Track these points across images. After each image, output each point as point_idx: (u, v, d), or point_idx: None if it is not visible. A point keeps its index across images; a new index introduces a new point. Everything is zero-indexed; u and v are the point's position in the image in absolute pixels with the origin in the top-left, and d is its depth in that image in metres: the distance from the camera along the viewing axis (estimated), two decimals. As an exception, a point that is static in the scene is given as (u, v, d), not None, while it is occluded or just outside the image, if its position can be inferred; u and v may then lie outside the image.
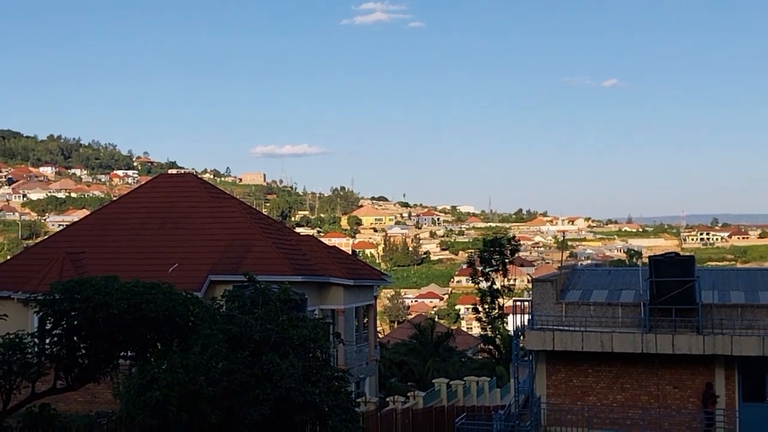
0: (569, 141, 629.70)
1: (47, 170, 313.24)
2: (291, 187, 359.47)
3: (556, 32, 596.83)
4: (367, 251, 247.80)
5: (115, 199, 72.54)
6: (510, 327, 48.71)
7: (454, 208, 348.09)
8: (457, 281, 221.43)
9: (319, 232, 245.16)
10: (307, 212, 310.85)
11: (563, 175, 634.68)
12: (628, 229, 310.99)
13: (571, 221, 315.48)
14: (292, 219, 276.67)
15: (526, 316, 28.82)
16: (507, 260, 71.76)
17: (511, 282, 73.31)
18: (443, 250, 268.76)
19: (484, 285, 71.56)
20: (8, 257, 79.83)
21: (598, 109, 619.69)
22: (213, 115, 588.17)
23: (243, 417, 16.79)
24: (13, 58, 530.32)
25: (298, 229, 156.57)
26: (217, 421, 15.58)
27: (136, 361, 15.95)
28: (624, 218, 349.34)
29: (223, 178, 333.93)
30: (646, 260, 34.94)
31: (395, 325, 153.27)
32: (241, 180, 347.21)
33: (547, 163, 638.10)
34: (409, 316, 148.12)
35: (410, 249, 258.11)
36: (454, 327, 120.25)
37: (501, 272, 71.41)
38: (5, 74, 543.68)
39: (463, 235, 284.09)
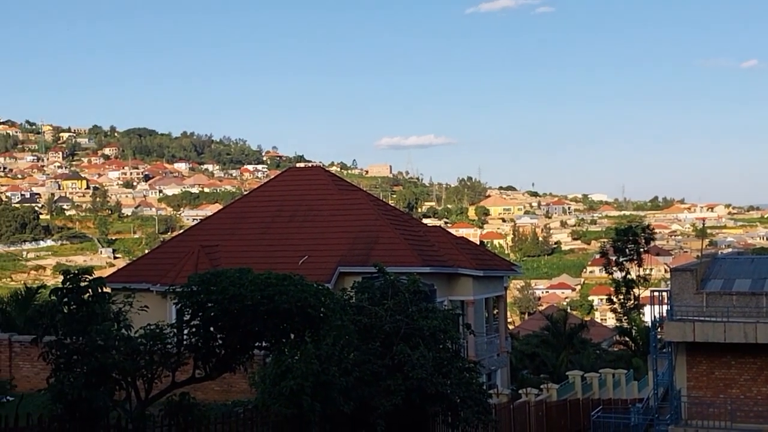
0: (707, 125, 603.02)
1: (181, 166, 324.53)
2: (417, 178, 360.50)
3: (690, 12, 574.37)
4: (496, 242, 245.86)
5: (246, 193, 74.42)
6: (647, 318, 47.38)
7: (585, 196, 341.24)
8: (590, 271, 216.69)
9: (446, 222, 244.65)
10: (433, 203, 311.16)
11: (701, 160, 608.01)
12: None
13: (711, 208, 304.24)
14: (419, 210, 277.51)
15: (665, 307, 28.00)
16: (642, 249, 70.01)
17: (647, 272, 71.47)
18: (575, 239, 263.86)
19: (618, 275, 70.04)
20: (147, 251, 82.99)
21: (737, 91, 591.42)
22: (339, 108, 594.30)
23: (375, 407, 16.82)
24: (149, 59, 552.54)
25: (425, 220, 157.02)
26: (349, 411, 15.64)
27: (271, 352, 16.15)
28: (767, 204, 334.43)
29: (349, 171, 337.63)
30: (792, 247, 33.18)
31: (526, 316, 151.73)
32: (367, 172, 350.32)
33: (684, 148, 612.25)
34: (540, 308, 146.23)
35: (540, 239, 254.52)
36: (587, 318, 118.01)
37: (636, 262, 69.71)
38: (142, 75, 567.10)
39: (595, 224, 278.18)
